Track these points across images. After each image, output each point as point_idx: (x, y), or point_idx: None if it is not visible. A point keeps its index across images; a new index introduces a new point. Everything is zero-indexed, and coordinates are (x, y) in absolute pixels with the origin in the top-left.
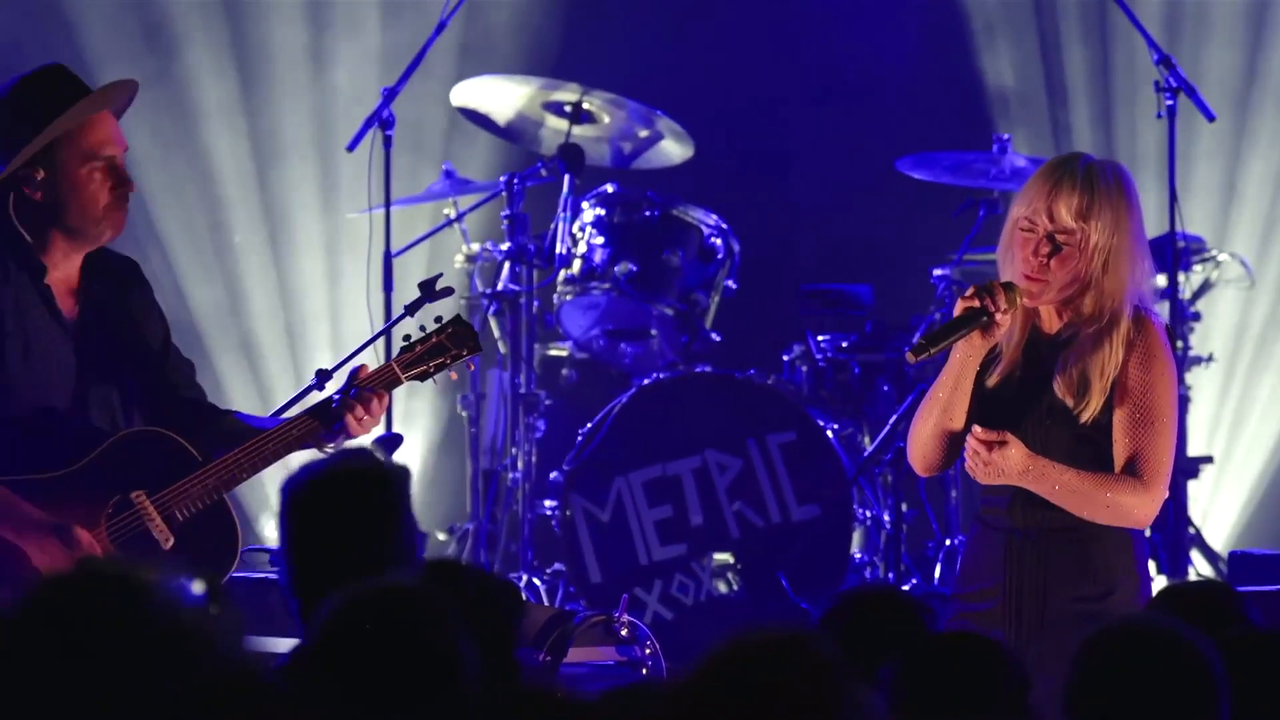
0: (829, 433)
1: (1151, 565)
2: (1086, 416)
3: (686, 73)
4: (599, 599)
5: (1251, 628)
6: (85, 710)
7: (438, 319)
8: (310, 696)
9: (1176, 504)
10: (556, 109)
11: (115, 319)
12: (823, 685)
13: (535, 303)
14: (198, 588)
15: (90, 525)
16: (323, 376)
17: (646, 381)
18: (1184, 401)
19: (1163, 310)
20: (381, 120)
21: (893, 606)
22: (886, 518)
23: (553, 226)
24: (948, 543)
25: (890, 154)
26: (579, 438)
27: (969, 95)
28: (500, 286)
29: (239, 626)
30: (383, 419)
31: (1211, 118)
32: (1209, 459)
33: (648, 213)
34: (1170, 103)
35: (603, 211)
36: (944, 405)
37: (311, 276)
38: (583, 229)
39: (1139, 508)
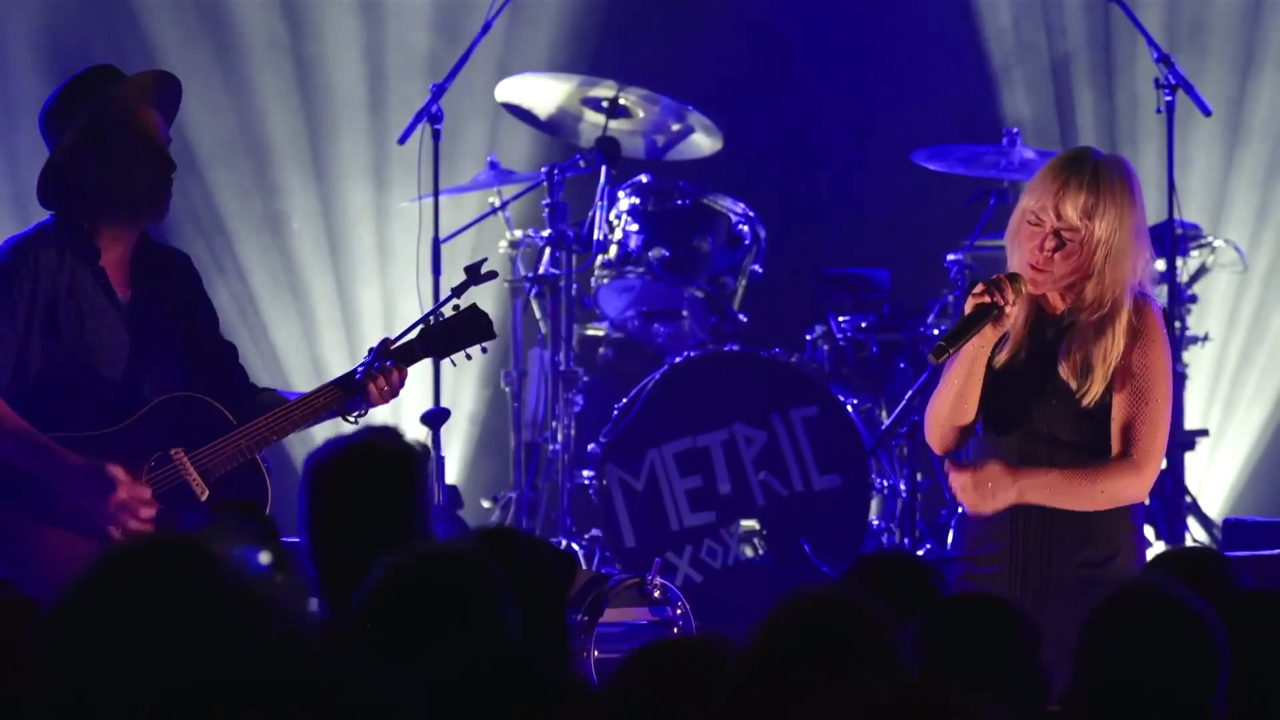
0: (849, 407)
1: (1149, 530)
2: (1088, 400)
3: (716, 71)
4: (633, 563)
5: (1240, 590)
6: (159, 670)
7: (455, 307)
8: (356, 657)
9: (1174, 475)
10: (594, 104)
11: (167, 304)
12: (874, 632)
13: (574, 286)
14: (264, 557)
15: (133, 477)
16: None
17: (678, 359)
18: (1181, 378)
19: (1161, 293)
20: (431, 115)
21: (907, 570)
22: (902, 487)
23: (590, 214)
24: (960, 510)
25: (906, 147)
26: (615, 412)
27: (981, 92)
28: (541, 270)
29: (302, 592)
30: (431, 394)
31: (1208, 113)
32: (1205, 432)
33: (679, 201)
34: (1169, 99)
35: (637, 200)
36: (958, 391)
37: (365, 261)
38: (619, 217)
39: (1132, 487)
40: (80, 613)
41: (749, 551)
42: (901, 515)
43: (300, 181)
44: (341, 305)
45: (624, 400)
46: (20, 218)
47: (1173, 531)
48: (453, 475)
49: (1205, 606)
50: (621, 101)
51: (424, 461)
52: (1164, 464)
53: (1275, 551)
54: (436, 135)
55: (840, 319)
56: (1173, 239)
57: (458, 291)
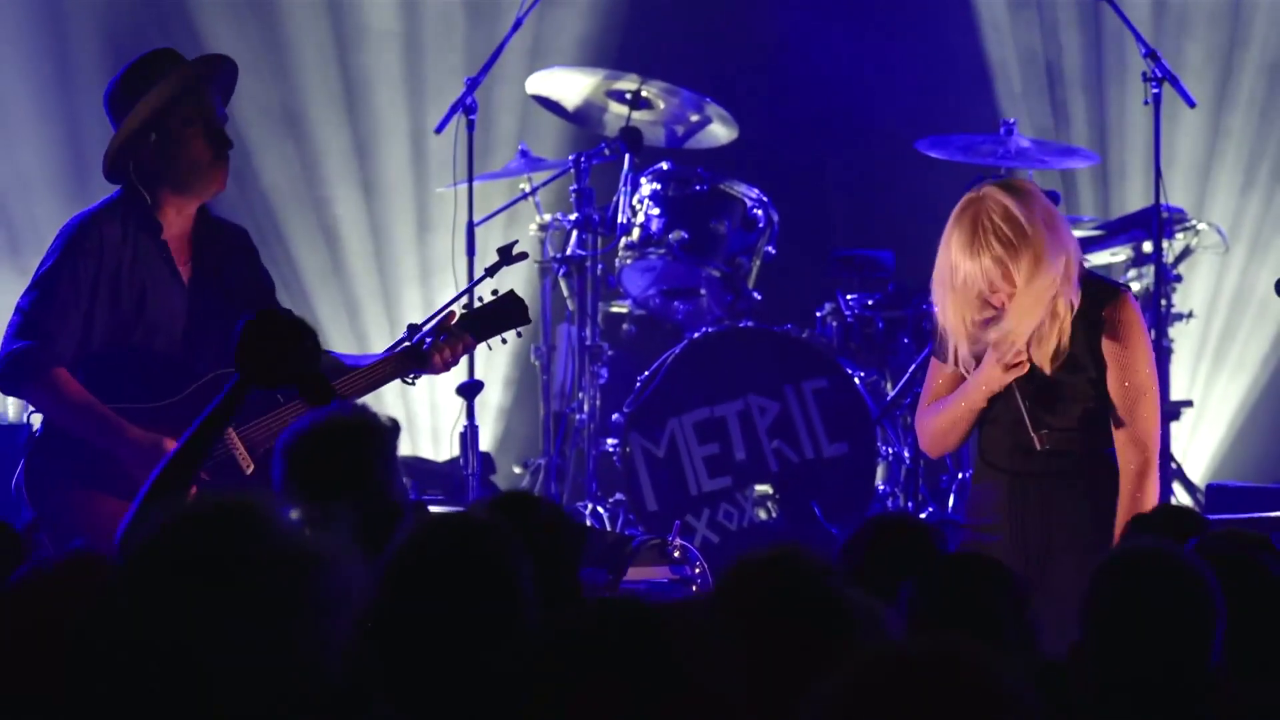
0: (856, 380)
1: None
2: (1051, 370)
3: (733, 65)
4: (655, 525)
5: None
6: (220, 626)
7: (494, 291)
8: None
9: (1161, 443)
10: (618, 96)
11: (226, 278)
12: (812, 579)
13: (599, 266)
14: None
15: None
16: (413, 331)
17: (696, 335)
18: (1167, 352)
19: (1148, 273)
20: (465, 106)
21: (910, 531)
22: (906, 454)
23: (615, 199)
24: (960, 476)
25: (909, 136)
26: (638, 384)
27: (979, 85)
28: (569, 252)
29: (351, 551)
30: (465, 366)
31: (1192, 104)
32: (1189, 403)
33: (698, 187)
34: (1156, 91)
35: (659, 186)
36: (961, 416)
37: (403, 243)
38: (641, 201)
39: (1152, 477)
40: (154, 566)
41: (763, 514)
42: (906, 480)
43: (344, 168)
44: (382, 283)
45: (646, 373)
46: (84, 195)
47: (1159, 497)
48: (486, 443)
49: (1202, 564)
50: (644, 94)
51: (388, 434)
52: None
53: (1256, 515)
54: (471, 125)
55: (848, 297)
56: (1159, 222)
57: (491, 271)
